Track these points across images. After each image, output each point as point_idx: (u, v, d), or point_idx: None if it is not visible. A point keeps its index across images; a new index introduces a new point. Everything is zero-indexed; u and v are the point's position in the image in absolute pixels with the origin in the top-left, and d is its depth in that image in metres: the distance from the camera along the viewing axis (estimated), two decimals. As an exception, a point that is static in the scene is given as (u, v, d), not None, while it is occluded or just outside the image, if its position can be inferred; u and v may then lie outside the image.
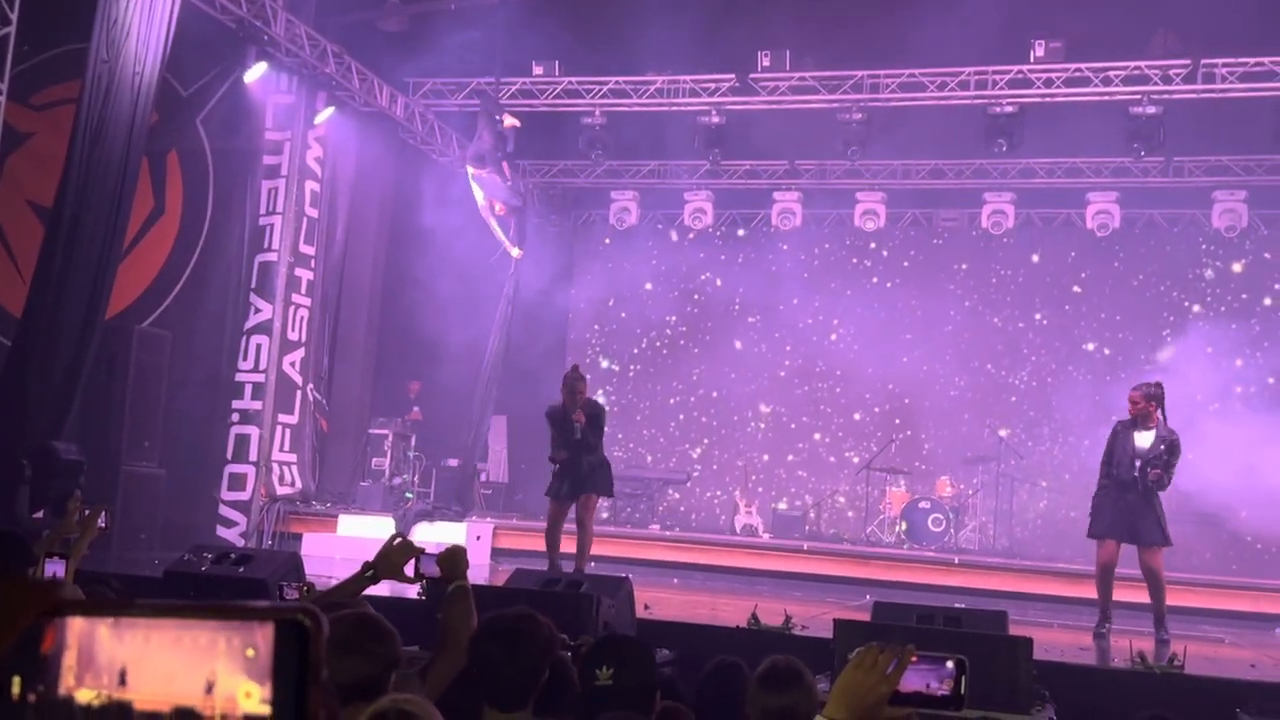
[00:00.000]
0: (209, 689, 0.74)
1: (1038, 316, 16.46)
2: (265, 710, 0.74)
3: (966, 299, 16.62)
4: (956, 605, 8.22)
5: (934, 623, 6.35)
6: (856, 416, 16.83)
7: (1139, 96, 13.01)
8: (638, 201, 16.73)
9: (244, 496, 12.39)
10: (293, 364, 13.06)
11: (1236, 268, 15.84)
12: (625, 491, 15.75)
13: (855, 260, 17.12)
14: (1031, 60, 13.15)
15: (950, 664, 2.06)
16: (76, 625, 0.77)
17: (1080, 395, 14.98)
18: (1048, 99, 13.38)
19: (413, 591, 6.43)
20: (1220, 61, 12.72)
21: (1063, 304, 16.36)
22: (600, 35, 14.07)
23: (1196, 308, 15.80)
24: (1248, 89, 12.77)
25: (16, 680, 0.78)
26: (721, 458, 17.22)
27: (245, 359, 12.70)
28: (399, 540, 3.82)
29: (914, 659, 2.03)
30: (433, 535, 12.23)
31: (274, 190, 12.97)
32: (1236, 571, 13.50)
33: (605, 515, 14.30)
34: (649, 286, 17.63)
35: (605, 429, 9.77)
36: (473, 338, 14.70)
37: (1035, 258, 16.53)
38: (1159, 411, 8.52)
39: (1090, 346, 16.18)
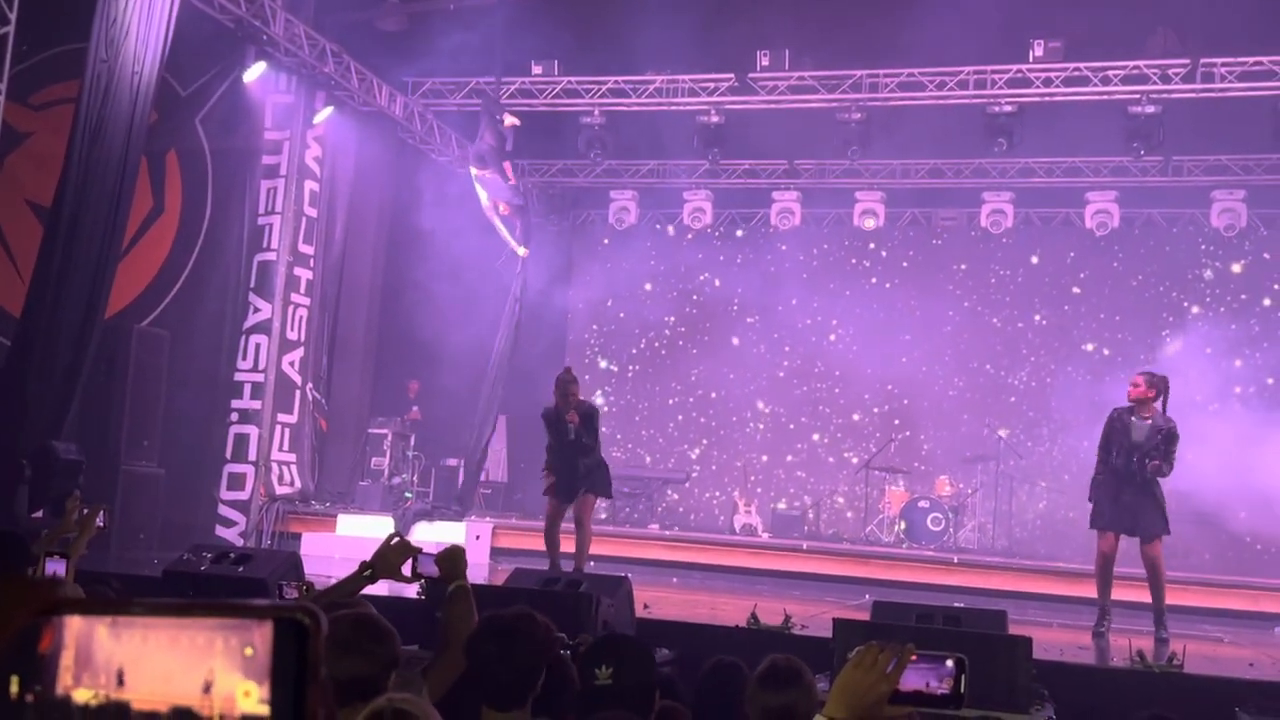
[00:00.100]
0: (207, 688, 0.74)
1: (1037, 317, 16.46)
2: (264, 710, 0.74)
3: (965, 299, 16.62)
4: (956, 604, 8.21)
5: (933, 622, 6.34)
6: (855, 417, 16.83)
7: (1138, 96, 13.01)
8: (637, 201, 16.72)
9: (243, 496, 12.39)
10: (292, 363, 13.05)
11: (1236, 268, 15.84)
12: (624, 491, 15.74)
13: (854, 260, 17.12)
14: (1030, 60, 13.15)
15: (949, 663, 2.06)
16: (74, 625, 0.77)
17: (1079, 395, 14.96)
18: (1047, 98, 13.38)
19: (412, 591, 6.43)
20: (1219, 61, 12.71)
21: (1062, 304, 16.36)
22: (599, 35, 14.06)
23: (1195, 308, 15.80)
24: (1247, 88, 12.77)
25: (15, 680, 0.77)
26: (720, 458, 17.21)
27: (244, 358, 12.70)
28: (397, 540, 3.82)
29: (913, 658, 2.03)
30: (432, 535, 12.23)
31: (273, 190, 12.97)
32: (1235, 571, 13.49)
33: (604, 515, 14.30)
34: (648, 287, 17.62)
35: (601, 429, 9.75)
36: (473, 337, 14.69)
37: (1034, 258, 16.53)
38: (1159, 402, 8.48)
39: (1089, 347, 16.18)
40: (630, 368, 17.76)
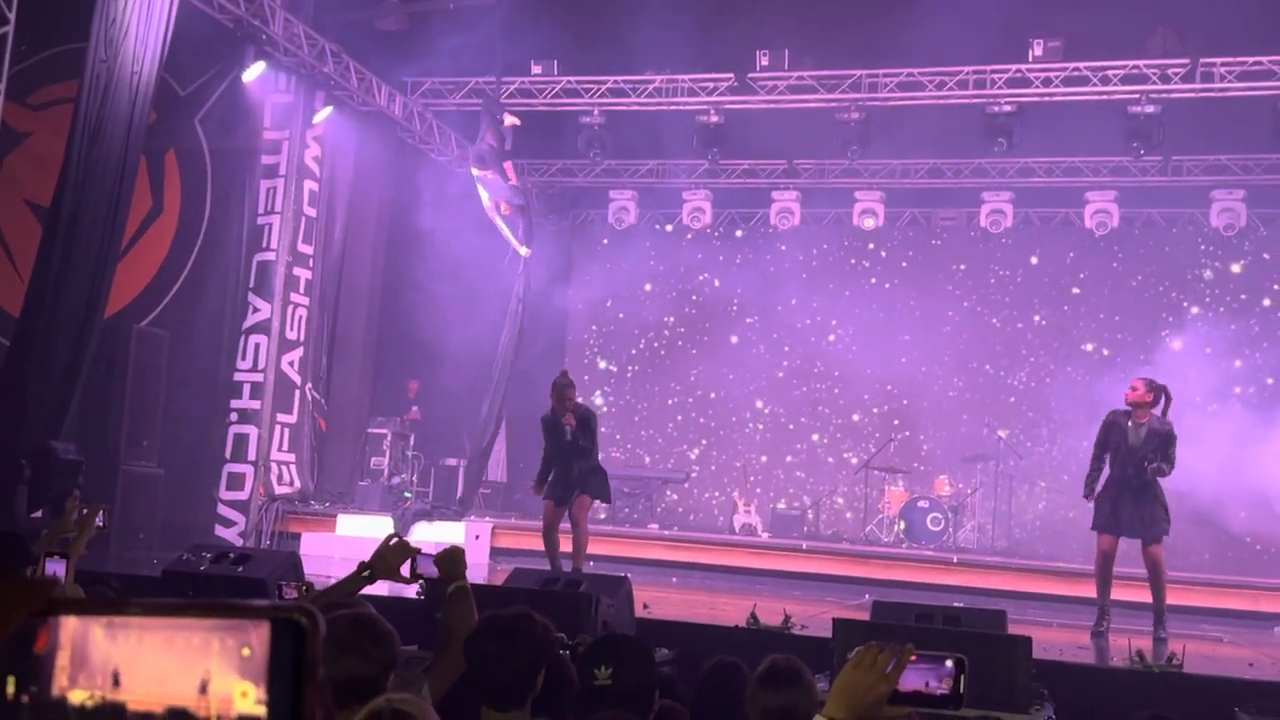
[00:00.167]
0: (203, 689, 0.74)
1: (1036, 317, 16.46)
2: (260, 710, 0.73)
3: (965, 299, 16.62)
4: (955, 604, 8.22)
5: (933, 622, 6.34)
6: (855, 418, 16.83)
7: (1137, 96, 13.01)
8: (636, 201, 16.72)
9: (242, 496, 12.38)
10: (291, 363, 13.05)
11: (1235, 268, 15.84)
12: (624, 491, 15.74)
13: (853, 261, 17.12)
14: (1030, 59, 13.15)
15: (949, 663, 2.06)
16: (70, 625, 0.77)
17: (1079, 396, 14.96)
18: (1046, 98, 13.38)
19: (412, 591, 6.43)
20: (1219, 61, 12.71)
21: (1061, 304, 16.36)
22: (599, 35, 14.07)
23: (1195, 308, 15.79)
24: (1246, 88, 12.77)
25: (10, 681, 0.77)
26: (719, 459, 17.21)
27: (244, 358, 12.69)
28: (395, 540, 3.82)
29: (913, 658, 2.03)
30: (431, 535, 12.23)
31: (272, 189, 12.96)
32: (1235, 571, 13.49)
33: (603, 516, 14.30)
34: (648, 287, 17.62)
35: (599, 431, 9.75)
36: (472, 337, 14.69)
37: (1034, 259, 16.53)
38: (1157, 407, 8.50)
39: (1089, 347, 16.18)
40: (629, 368, 17.76)
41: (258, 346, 12.70)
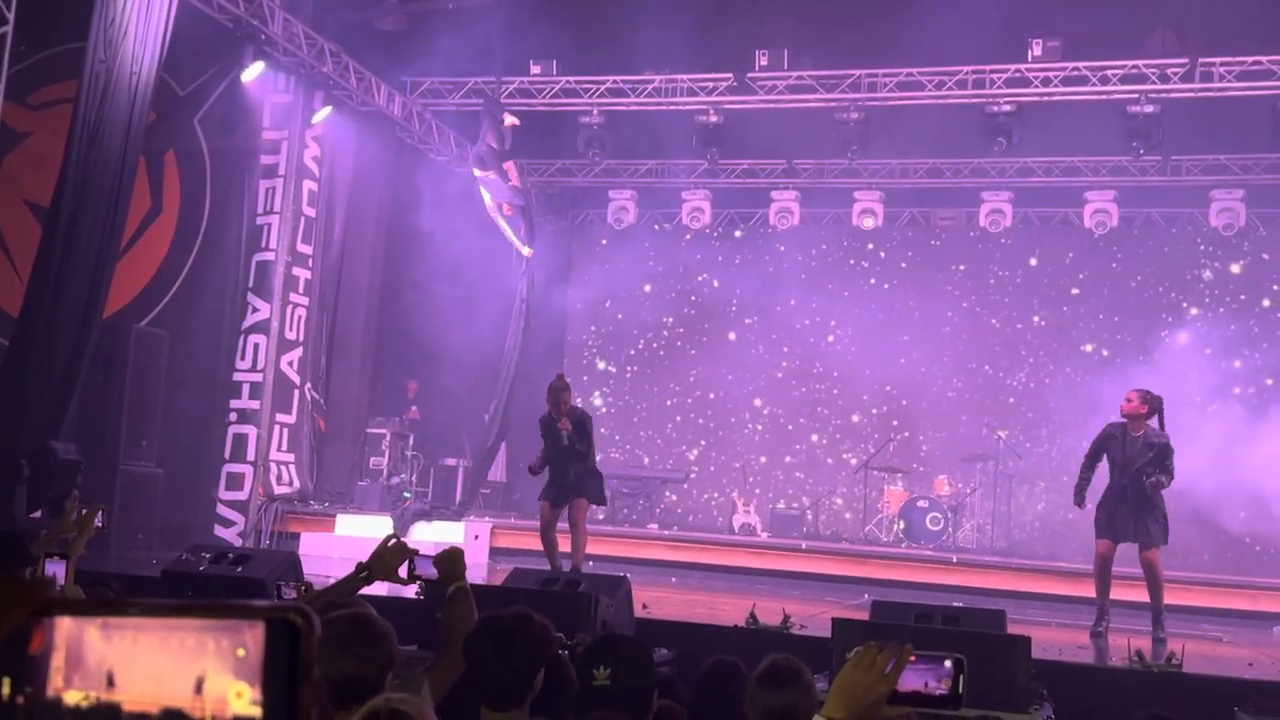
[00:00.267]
0: (198, 689, 0.74)
1: (1035, 318, 16.46)
2: (256, 711, 0.73)
3: (964, 300, 16.62)
4: (955, 604, 8.22)
5: (932, 622, 6.34)
6: (855, 419, 16.82)
7: (1137, 95, 13.02)
8: (635, 201, 16.72)
9: (242, 496, 12.38)
10: (290, 363, 13.04)
11: (1235, 269, 15.84)
12: (623, 492, 15.75)
13: (853, 261, 17.12)
14: (1029, 59, 13.15)
15: (948, 663, 2.06)
16: (65, 626, 0.77)
17: (1078, 396, 14.97)
18: (1045, 98, 13.38)
19: (411, 591, 6.42)
20: (1218, 60, 12.71)
21: (1061, 305, 16.36)
22: (598, 35, 14.07)
23: (1194, 309, 15.79)
24: (1245, 88, 12.77)
25: (6, 681, 0.77)
26: (719, 459, 17.21)
27: (243, 358, 12.69)
28: (394, 541, 3.81)
29: (912, 658, 2.03)
30: (430, 535, 12.23)
31: (271, 189, 12.96)
32: (1234, 571, 13.49)
33: (602, 516, 14.30)
34: (647, 288, 17.62)
35: (595, 434, 9.77)
36: (472, 337, 14.69)
37: (1033, 260, 16.53)
38: (1153, 419, 8.53)
39: (1088, 348, 16.18)
40: (629, 369, 17.75)
41: (257, 346, 12.70)
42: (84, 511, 5.23)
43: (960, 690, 2.05)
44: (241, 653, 0.74)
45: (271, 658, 0.74)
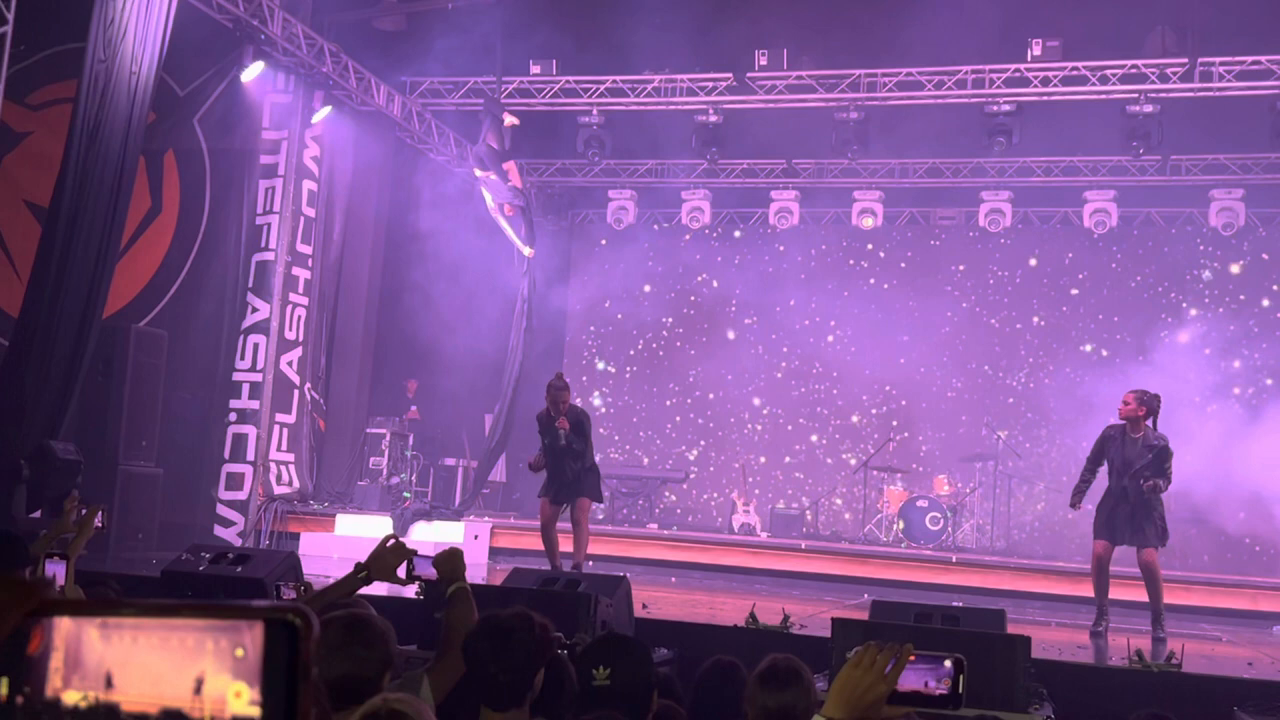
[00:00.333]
0: (197, 690, 0.74)
1: (1035, 318, 16.46)
2: (254, 711, 0.73)
3: (964, 300, 16.63)
4: (954, 604, 8.21)
5: (932, 621, 6.33)
6: (854, 419, 16.83)
7: (1136, 95, 13.02)
8: (635, 201, 16.73)
9: (241, 496, 12.38)
10: (290, 363, 13.04)
11: (1234, 269, 15.84)
12: (622, 491, 15.75)
13: (852, 261, 17.12)
14: (1029, 59, 13.16)
15: (948, 663, 2.06)
16: (64, 626, 0.76)
17: (1077, 396, 14.98)
18: (1045, 97, 13.39)
19: (411, 591, 6.42)
20: (1217, 60, 12.72)
21: (1060, 305, 16.37)
22: (597, 35, 14.07)
23: (1194, 309, 15.80)
24: (1245, 87, 12.78)
25: (4, 682, 0.77)
26: (718, 459, 17.21)
27: (242, 358, 12.68)
28: (393, 542, 3.81)
29: (912, 658, 2.03)
30: (430, 535, 12.24)
31: (271, 189, 12.96)
32: (1234, 571, 13.50)
33: (601, 516, 14.30)
34: (646, 288, 17.62)
35: (600, 431, 9.80)
36: (471, 338, 14.69)
37: (1033, 260, 16.53)
38: (1149, 420, 8.54)
39: (1088, 348, 16.18)
40: (628, 369, 17.75)
41: (256, 346, 12.70)
42: (83, 512, 5.23)
43: (960, 690, 2.05)
44: (240, 653, 0.74)
45: (270, 658, 0.74)
